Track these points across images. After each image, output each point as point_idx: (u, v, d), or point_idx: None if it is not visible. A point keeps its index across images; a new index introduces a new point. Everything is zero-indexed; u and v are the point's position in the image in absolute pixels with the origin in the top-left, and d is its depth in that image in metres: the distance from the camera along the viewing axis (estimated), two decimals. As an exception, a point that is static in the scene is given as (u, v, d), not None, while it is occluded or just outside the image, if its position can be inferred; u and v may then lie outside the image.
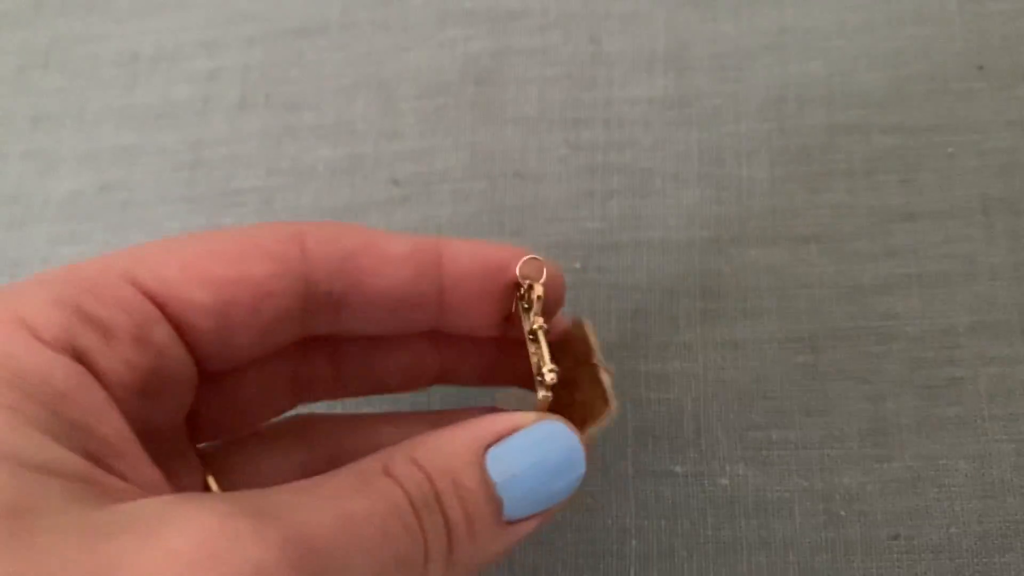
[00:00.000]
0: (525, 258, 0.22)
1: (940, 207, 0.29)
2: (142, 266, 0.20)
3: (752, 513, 0.27)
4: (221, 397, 0.23)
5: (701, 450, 0.28)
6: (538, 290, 0.22)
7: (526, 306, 0.22)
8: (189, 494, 0.16)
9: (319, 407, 0.26)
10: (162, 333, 0.19)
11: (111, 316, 0.19)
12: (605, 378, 0.22)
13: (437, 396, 0.29)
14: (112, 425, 0.17)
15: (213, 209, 0.34)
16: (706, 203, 0.30)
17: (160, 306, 0.20)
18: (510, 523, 0.19)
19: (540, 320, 0.21)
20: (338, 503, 0.17)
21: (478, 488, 0.19)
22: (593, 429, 0.21)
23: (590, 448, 0.21)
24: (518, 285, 0.22)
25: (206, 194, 0.34)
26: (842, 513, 0.27)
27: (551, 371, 0.20)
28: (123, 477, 0.17)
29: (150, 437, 0.19)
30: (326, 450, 0.24)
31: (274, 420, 0.25)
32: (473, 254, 0.22)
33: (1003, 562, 0.25)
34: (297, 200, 0.33)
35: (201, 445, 0.24)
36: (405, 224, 0.32)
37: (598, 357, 0.22)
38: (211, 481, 0.23)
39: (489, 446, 0.19)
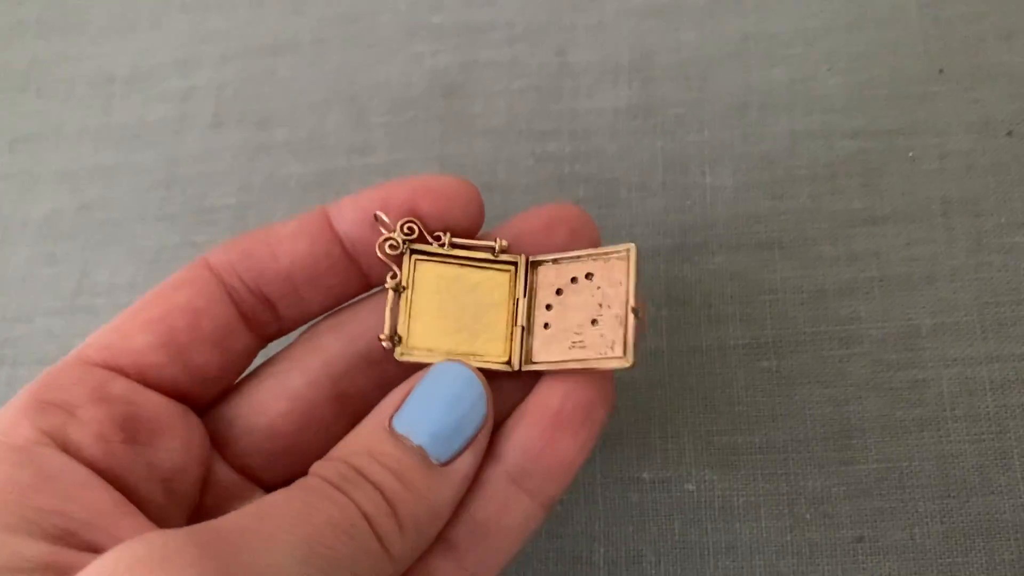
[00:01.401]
0: (377, 213, 0.23)
1: (901, 210, 0.29)
2: (88, 347, 0.22)
3: (718, 517, 0.27)
4: (265, 444, 0.24)
5: (668, 456, 0.28)
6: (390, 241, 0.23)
7: (391, 251, 0.23)
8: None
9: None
10: (120, 385, 0.22)
11: (70, 393, 0.21)
12: (631, 320, 0.22)
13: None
14: (87, 501, 0.19)
15: (188, 227, 0.34)
16: (671, 211, 0.31)
17: (113, 367, 0.22)
18: (444, 464, 0.21)
19: (389, 281, 0.23)
20: (256, 503, 0.19)
21: (392, 448, 0.20)
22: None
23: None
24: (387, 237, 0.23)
25: (181, 212, 0.34)
26: (807, 516, 0.27)
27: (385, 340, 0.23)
28: (98, 547, 0.19)
29: (172, 479, 0.22)
30: None
31: None
32: (355, 203, 0.23)
33: (965, 561, 0.26)
34: (270, 216, 0.34)
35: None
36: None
37: (632, 295, 0.23)
38: None
39: (392, 415, 0.21)
